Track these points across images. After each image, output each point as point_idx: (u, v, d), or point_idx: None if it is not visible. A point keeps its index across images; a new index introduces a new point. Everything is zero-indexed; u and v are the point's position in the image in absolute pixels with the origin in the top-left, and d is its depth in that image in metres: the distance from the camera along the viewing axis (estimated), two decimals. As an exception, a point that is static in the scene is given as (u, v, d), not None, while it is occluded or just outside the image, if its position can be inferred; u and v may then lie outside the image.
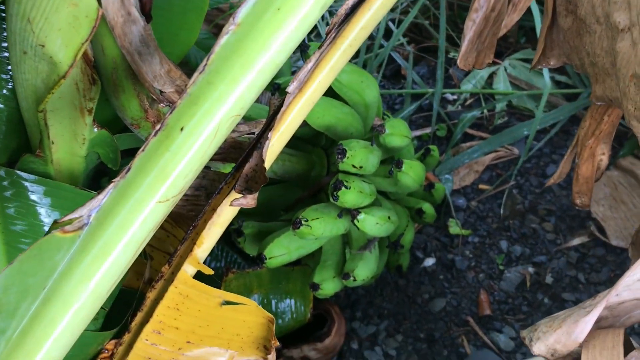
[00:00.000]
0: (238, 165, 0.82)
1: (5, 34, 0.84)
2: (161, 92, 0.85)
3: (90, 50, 0.86)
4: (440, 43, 1.79)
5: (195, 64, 1.37)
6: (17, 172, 0.85)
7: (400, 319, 1.51)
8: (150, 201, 0.66)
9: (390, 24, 2.11)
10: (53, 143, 0.88)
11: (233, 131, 0.83)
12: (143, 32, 0.81)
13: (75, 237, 0.66)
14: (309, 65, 0.77)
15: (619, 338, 0.68)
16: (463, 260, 1.59)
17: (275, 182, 1.30)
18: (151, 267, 0.96)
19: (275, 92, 1.22)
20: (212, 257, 1.36)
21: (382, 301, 1.56)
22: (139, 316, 0.80)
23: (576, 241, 1.56)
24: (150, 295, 0.81)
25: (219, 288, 0.84)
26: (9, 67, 0.87)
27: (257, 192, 0.76)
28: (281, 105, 0.77)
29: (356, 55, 1.96)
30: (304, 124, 1.09)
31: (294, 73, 1.84)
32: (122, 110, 0.92)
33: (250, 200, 0.76)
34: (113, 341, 0.80)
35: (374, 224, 1.16)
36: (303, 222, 1.10)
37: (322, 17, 2.16)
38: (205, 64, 0.66)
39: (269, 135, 0.75)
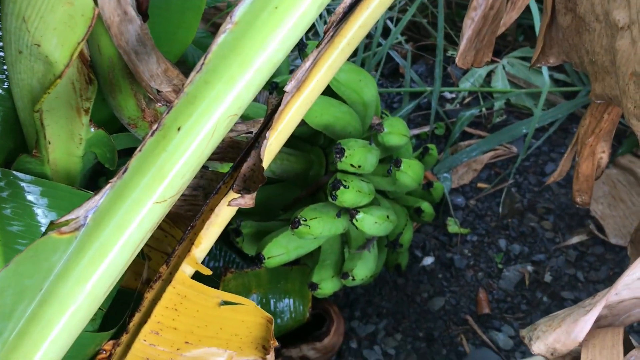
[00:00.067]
0: (236, 165, 0.81)
1: (0, 33, 0.83)
2: (158, 91, 0.85)
3: (87, 50, 0.85)
4: (439, 41, 1.79)
5: (192, 63, 1.37)
6: (14, 172, 0.84)
7: (399, 318, 1.51)
8: (148, 202, 0.65)
9: (389, 22, 2.10)
10: (49, 143, 0.88)
11: (231, 130, 0.83)
12: (140, 31, 0.80)
13: (72, 238, 0.65)
14: (307, 64, 0.76)
15: (619, 337, 0.67)
16: (462, 259, 1.58)
17: (274, 182, 1.30)
18: (149, 268, 0.95)
19: (273, 91, 1.21)
20: (211, 257, 1.35)
21: (381, 300, 1.55)
22: (137, 317, 0.80)
23: (575, 239, 1.56)
24: (148, 296, 0.80)
25: (218, 288, 0.84)
26: (5, 67, 0.87)
27: (256, 192, 0.76)
28: (279, 104, 0.76)
29: (354, 53, 1.96)
30: (302, 123, 1.09)
31: (291, 72, 1.84)
32: (119, 109, 0.92)
33: (248, 200, 0.76)
34: (111, 342, 0.80)
35: (372, 223, 1.15)
36: (302, 222, 1.09)
37: (320, 16, 2.15)
38: (203, 63, 0.66)
39: (266, 135, 0.75)
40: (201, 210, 0.81)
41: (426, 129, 1.86)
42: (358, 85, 1.22)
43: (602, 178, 1.59)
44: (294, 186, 1.30)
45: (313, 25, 2.14)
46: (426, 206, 1.37)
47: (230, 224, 1.04)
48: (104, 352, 0.79)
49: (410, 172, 1.19)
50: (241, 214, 1.26)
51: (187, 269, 0.79)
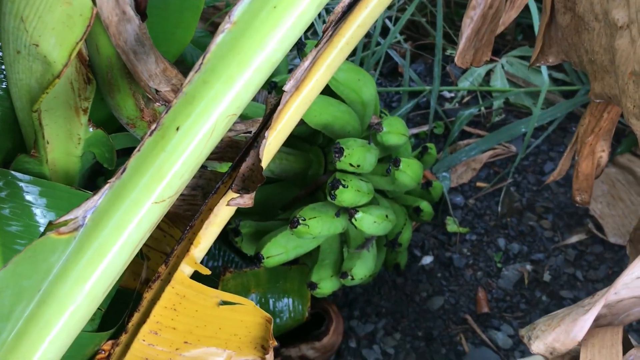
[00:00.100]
0: (235, 165, 0.81)
1: (-2, 33, 0.83)
2: (157, 91, 0.85)
3: (85, 50, 0.85)
4: (437, 40, 1.79)
5: (191, 63, 1.37)
6: (12, 172, 0.84)
7: (398, 317, 1.51)
8: (146, 202, 0.65)
9: (387, 21, 2.10)
10: (48, 143, 0.88)
11: (230, 130, 0.82)
12: (138, 30, 0.80)
13: (71, 239, 0.65)
14: (306, 63, 0.76)
15: (618, 336, 0.67)
16: (461, 258, 1.58)
17: (273, 181, 1.30)
18: (148, 268, 0.95)
19: (272, 91, 1.21)
20: (210, 257, 1.35)
21: (380, 300, 1.55)
22: (136, 316, 0.80)
23: (574, 239, 1.56)
24: (147, 296, 0.80)
25: (217, 287, 0.84)
26: (3, 67, 0.87)
27: (254, 192, 0.76)
28: (278, 103, 0.76)
29: (353, 53, 1.96)
30: (301, 122, 1.09)
31: (290, 71, 1.84)
32: (117, 109, 0.92)
33: (247, 200, 0.76)
34: (110, 342, 0.80)
35: (371, 222, 1.15)
36: (300, 221, 1.09)
37: (319, 15, 2.15)
38: (201, 63, 0.66)
39: (265, 134, 0.75)
40: (200, 209, 0.81)
41: (425, 128, 1.86)
42: (357, 85, 1.22)
43: (601, 177, 1.59)
44: (292, 186, 1.30)
45: (312, 25, 2.14)
46: (425, 205, 1.37)
47: (229, 223, 1.04)
48: (103, 352, 0.79)
49: (409, 172, 1.19)
50: (240, 213, 1.26)
51: (186, 268, 0.79)
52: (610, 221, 1.54)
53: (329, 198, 1.11)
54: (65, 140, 0.89)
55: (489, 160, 1.77)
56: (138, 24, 0.80)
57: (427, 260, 1.60)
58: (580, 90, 1.78)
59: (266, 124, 0.77)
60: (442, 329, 1.47)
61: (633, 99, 0.71)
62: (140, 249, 0.70)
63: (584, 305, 0.69)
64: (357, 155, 1.12)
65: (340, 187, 1.09)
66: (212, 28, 1.72)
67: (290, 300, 1.31)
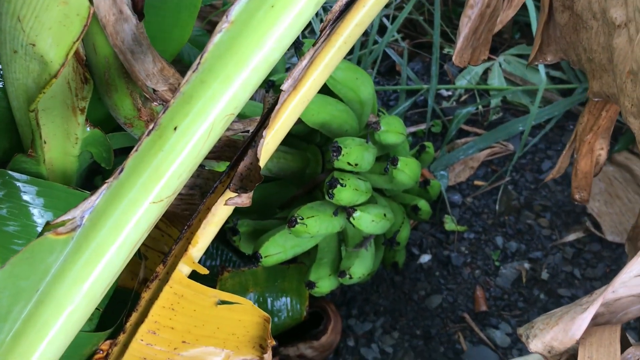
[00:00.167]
0: (233, 164, 0.81)
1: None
2: (154, 90, 0.84)
3: (82, 49, 0.85)
4: (435, 39, 1.79)
5: (188, 62, 1.36)
6: (9, 172, 0.84)
7: (397, 315, 1.51)
8: (144, 202, 0.65)
9: (385, 20, 2.10)
10: (45, 143, 0.87)
11: (227, 129, 0.82)
12: (135, 30, 0.80)
13: (69, 239, 0.65)
14: (304, 62, 0.76)
15: (616, 334, 0.68)
16: (459, 256, 1.59)
17: (270, 180, 1.30)
18: (146, 267, 0.95)
19: (270, 90, 1.21)
20: (207, 256, 1.35)
21: (378, 298, 1.55)
22: (134, 316, 0.80)
23: (572, 237, 1.56)
24: (145, 295, 0.80)
25: (215, 287, 0.84)
26: None
27: (252, 191, 0.76)
28: (275, 102, 0.76)
29: (350, 51, 1.96)
30: (299, 121, 1.09)
31: (288, 70, 1.84)
32: (115, 109, 0.92)
33: (245, 199, 0.76)
34: (108, 342, 0.80)
35: (369, 221, 1.15)
36: (298, 220, 1.09)
37: (317, 14, 2.15)
38: (199, 62, 0.66)
39: (263, 133, 0.75)
40: (198, 209, 0.81)
41: (423, 126, 1.86)
42: (355, 84, 1.22)
43: (598, 175, 1.60)
44: (290, 184, 1.30)
45: (310, 24, 2.14)
46: (423, 204, 1.37)
47: (227, 222, 1.04)
48: (101, 351, 0.79)
49: (407, 170, 1.19)
50: (238, 212, 1.26)
51: (184, 268, 0.79)
52: (608, 219, 1.54)
53: (326, 197, 1.11)
54: (62, 140, 0.89)
55: (487, 158, 1.77)
56: (135, 23, 0.80)
57: (425, 258, 1.60)
58: (578, 89, 1.78)
59: (264, 123, 0.77)
60: (441, 328, 1.47)
61: (631, 98, 0.71)
62: (138, 249, 0.70)
63: (582, 304, 0.69)
64: (355, 154, 1.12)
65: (338, 186, 1.09)
66: (210, 27, 1.71)
67: (289, 299, 1.31)
